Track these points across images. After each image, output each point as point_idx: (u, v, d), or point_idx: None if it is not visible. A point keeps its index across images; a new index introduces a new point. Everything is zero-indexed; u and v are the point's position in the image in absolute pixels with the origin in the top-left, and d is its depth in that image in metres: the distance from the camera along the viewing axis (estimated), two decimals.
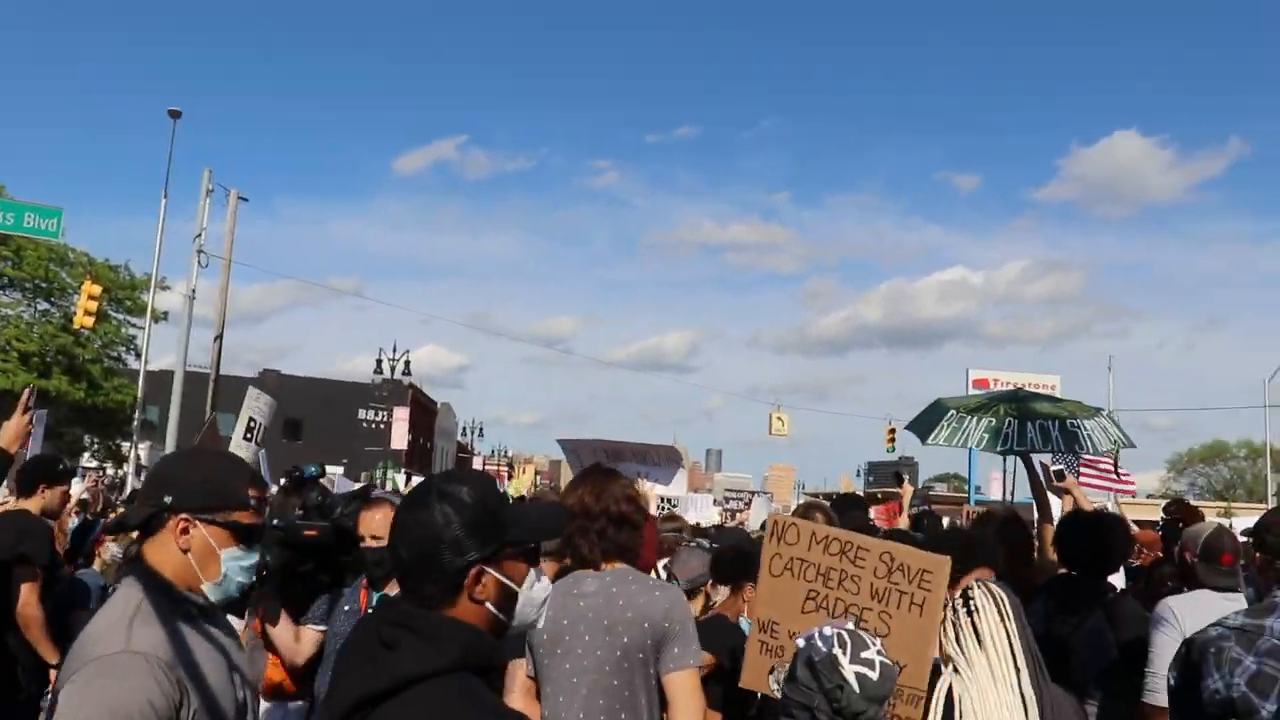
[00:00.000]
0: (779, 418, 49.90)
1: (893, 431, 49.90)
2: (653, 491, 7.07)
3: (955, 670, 2.89)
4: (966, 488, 51.62)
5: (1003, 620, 2.90)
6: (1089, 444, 6.00)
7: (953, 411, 6.21)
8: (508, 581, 2.18)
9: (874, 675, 2.64)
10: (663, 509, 14.43)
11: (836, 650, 2.67)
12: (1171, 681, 3.41)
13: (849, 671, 2.63)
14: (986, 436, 5.96)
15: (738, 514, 18.63)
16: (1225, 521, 8.33)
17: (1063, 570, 5.17)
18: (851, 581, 3.60)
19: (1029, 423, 5.95)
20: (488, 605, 2.15)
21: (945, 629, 2.97)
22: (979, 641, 2.88)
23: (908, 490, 9.72)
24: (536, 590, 2.24)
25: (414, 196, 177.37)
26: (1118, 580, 6.12)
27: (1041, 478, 6.42)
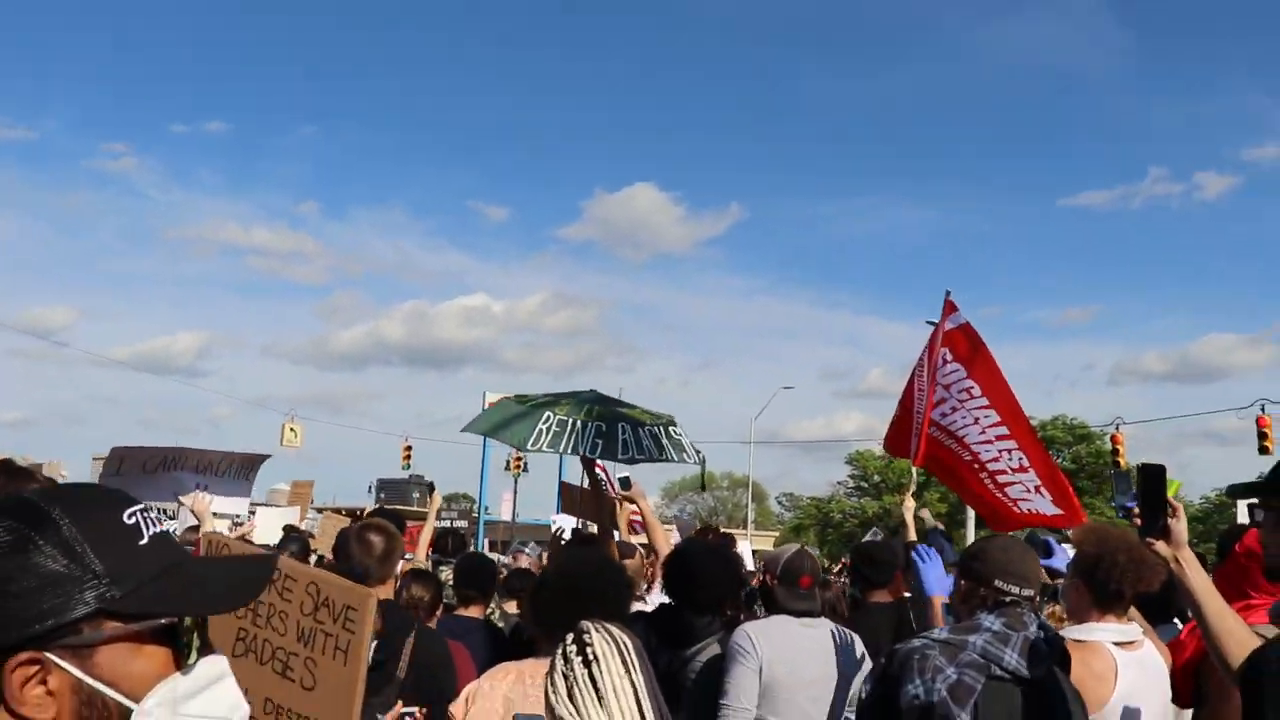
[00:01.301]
0: (292, 429, 47.72)
1: (409, 449, 49.42)
2: (206, 508, 5.82)
3: None
4: (477, 509, 52.06)
5: (627, 671, 2.32)
6: (671, 454, 5.65)
7: (549, 414, 5.62)
8: (97, 685, 1.17)
9: None
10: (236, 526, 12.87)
11: None
12: (864, 694, 3.38)
13: None
14: (601, 443, 5.47)
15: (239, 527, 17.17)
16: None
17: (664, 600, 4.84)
18: (279, 619, 2.95)
19: (640, 429, 5.56)
20: None
21: (554, 682, 2.33)
22: (599, 699, 2.26)
23: (436, 499, 9.15)
24: (201, 706, 1.24)
25: None
26: None
27: (606, 489, 5.99)
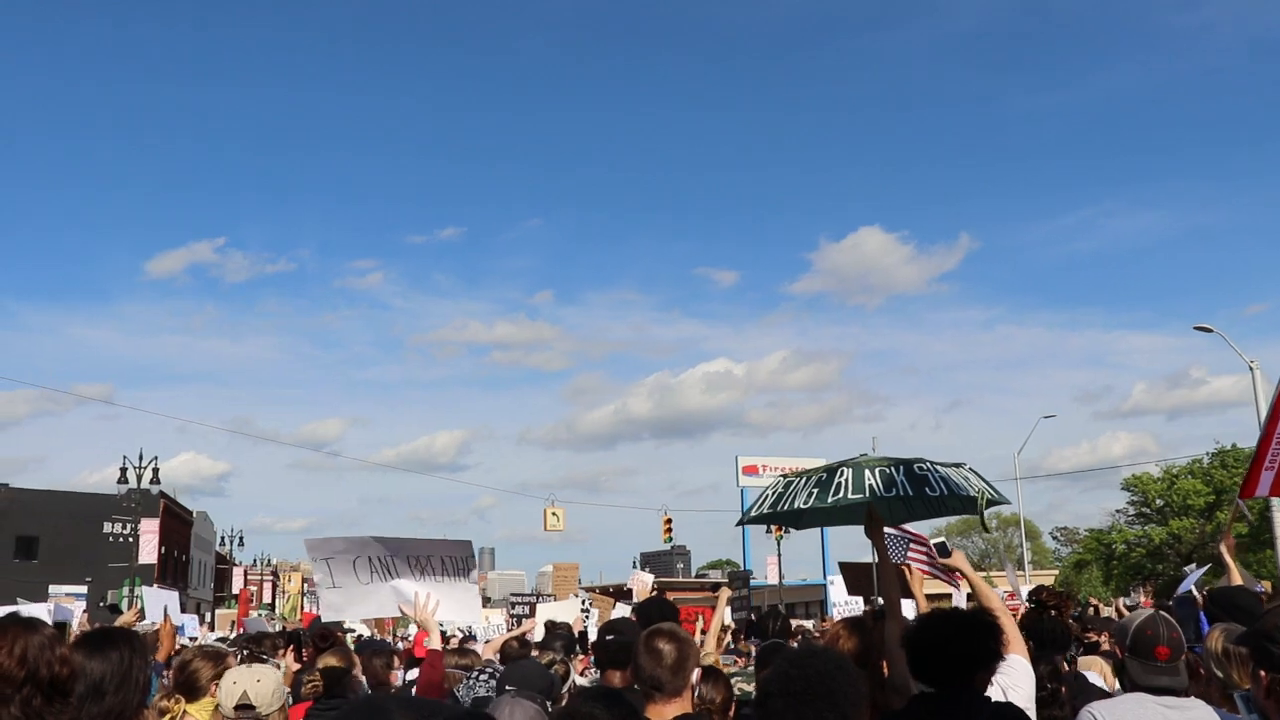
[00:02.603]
0: (553, 513, 49.11)
1: (669, 521, 49.83)
2: (430, 617, 5.50)
3: None
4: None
5: None
6: (941, 487, 4.98)
7: (780, 478, 5.31)
8: None
9: None
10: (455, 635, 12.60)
11: None
12: None
13: None
14: (816, 491, 4.98)
15: (524, 620, 17.23)
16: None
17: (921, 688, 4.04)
18: None
19: (867, 470, 4.96)
20: None
21: None
22: None
23: (725, 594, 8.51)
24: None
25: (168, 300, 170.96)
26: None
27: (892, 556, 5.38)
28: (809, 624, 19.85)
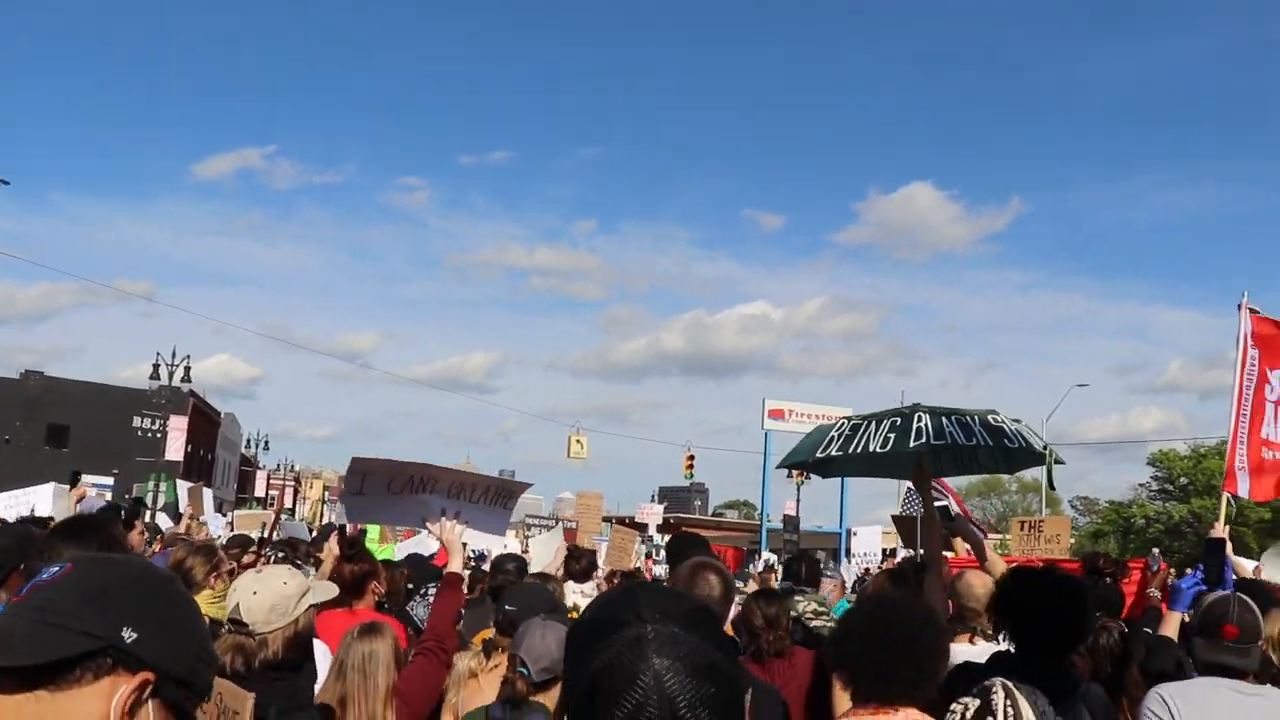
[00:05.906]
0: (578, 440, 49.30)
1: (691, 458, 49.88)
2: (456, 539, 5.16)
3: None
4: (758, 515, 51.84)
5: None
6: (1019, 440, 4.91)
7: (844, 421, 5.16)
8: None
9: None
10: (473, 561, 12.55)
11: None
12: None
13: None
14: (893, 436, 4.82)
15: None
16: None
17: (999, 647, 3.88)
18: None
19: (944, 418, 4.83)
20: None
21: None
22: None
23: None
24: None
25: (213, 202, 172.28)
26: None
27: (936, 513, 5.23)
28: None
